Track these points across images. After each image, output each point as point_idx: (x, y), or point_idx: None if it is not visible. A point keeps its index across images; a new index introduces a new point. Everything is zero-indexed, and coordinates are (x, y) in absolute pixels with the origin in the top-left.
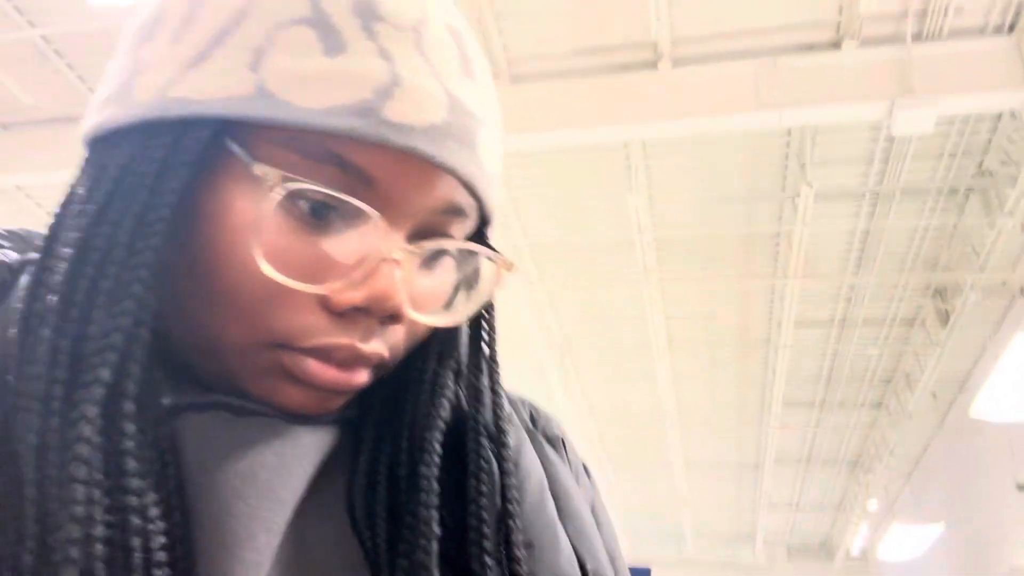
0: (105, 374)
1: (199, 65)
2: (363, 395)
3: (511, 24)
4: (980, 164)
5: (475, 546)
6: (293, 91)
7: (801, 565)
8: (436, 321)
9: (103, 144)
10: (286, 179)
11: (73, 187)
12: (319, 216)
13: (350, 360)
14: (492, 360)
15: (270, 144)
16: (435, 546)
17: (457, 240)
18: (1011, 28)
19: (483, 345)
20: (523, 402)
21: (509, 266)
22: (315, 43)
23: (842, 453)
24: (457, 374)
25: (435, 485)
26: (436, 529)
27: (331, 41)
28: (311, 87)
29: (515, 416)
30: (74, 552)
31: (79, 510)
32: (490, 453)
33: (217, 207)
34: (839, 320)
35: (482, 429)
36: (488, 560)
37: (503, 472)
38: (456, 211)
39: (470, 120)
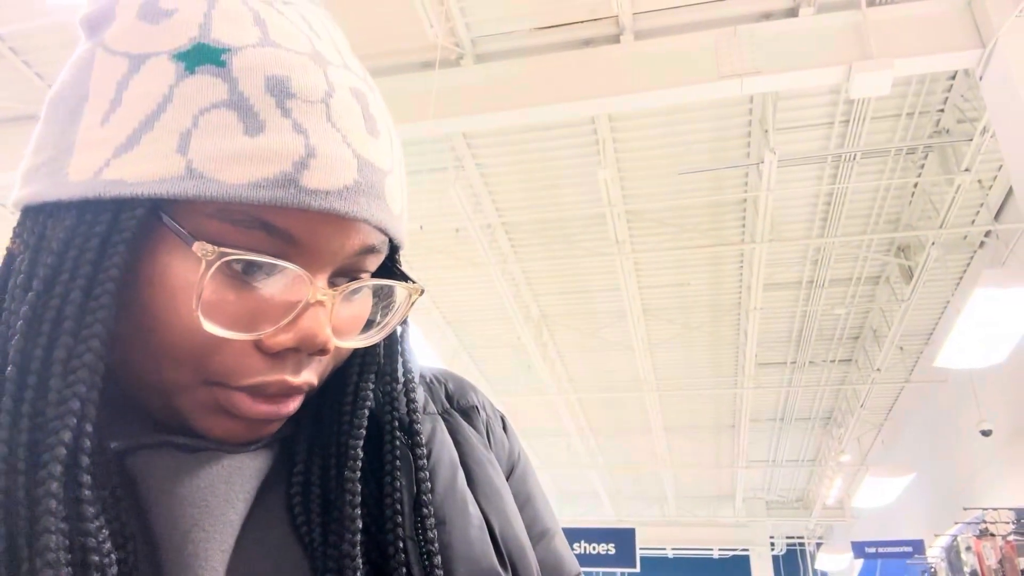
0: (67, 436)
1: (131, 149)
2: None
3: (473, 3)
4: (937, 123)
5: (391, 533)
6: (219, 169)
7: (780, 520)
8: (358, 344)
9: (39, 212)
10: (222, 254)
11: (12, 252)
12: (249, 273)
13: (282, 393)
14: (407, 368)
15: (201, 216)
16: (358, 538)
17: (369, 276)
18: None
19: (398, 356)
20: (441, 380)
21: (419, 291)
22: (236, 124)
23: (815, 409)
24: (377, 382)
25: (358, 487)
26: (359, 524)
27: (250, 122)
28: (235, 165)
29: (431, 404)
30: None
31: (51, 556)
32: (406, 449)
33: (155, 274)
34: (807, 281)
35: (396, 432)
36: (401, 544)
37: (417, 467)
38: (370, 250)
39: (376, 175)
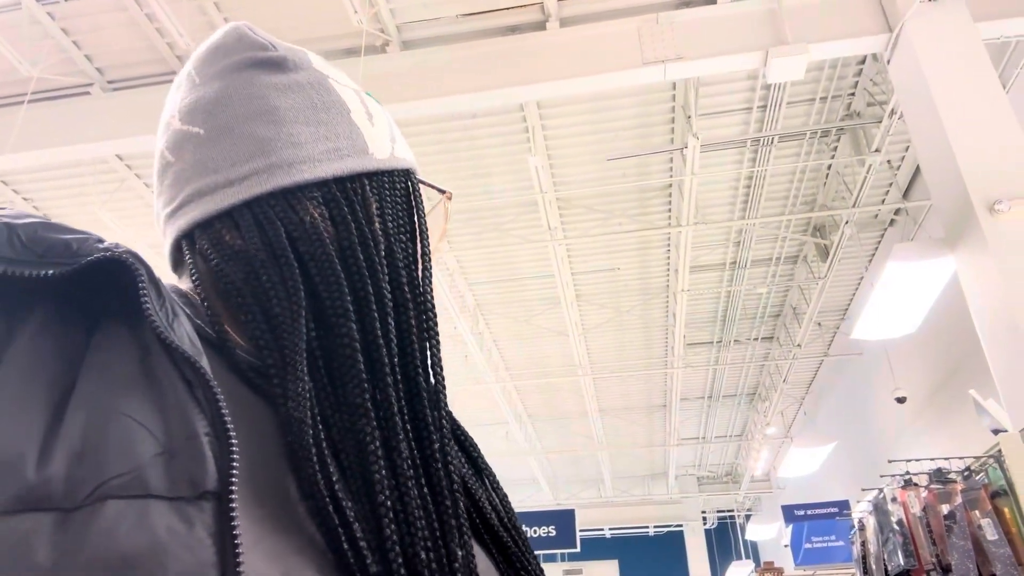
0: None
1: (396, 142)
2: None
3: None
4: (848, 106)
5: (477, 452)
6: (405, 157)
7: (712, 495)
8: None
9: (350, 180)
10: (445, 192)
11: (348, 206)
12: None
13: None
14: None
15: None
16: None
17: None
18: None
19: None
20: None
21: None
22: (396, 138)
23: (741, 386)
24: None
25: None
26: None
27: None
28: (405, 153)
29: None
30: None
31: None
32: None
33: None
34: (730, 262)
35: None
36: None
37: (470, 447)
38: None
39: None
